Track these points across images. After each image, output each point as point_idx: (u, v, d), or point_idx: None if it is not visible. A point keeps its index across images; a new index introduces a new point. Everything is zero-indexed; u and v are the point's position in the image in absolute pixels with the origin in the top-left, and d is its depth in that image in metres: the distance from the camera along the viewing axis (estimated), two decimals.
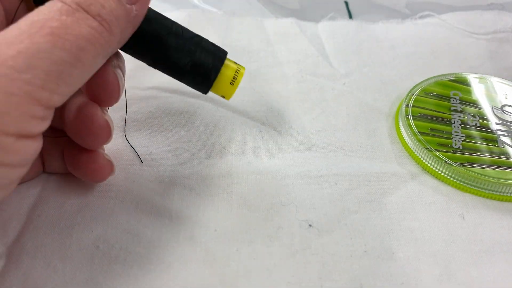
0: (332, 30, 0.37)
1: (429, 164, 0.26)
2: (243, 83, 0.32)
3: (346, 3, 0.41)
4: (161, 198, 0.25)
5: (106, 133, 0.23)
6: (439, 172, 0.26)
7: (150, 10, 0.22)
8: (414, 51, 0.35)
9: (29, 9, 0.21)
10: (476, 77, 0.31)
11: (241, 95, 0.31)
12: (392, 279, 0.22)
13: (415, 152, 0.27)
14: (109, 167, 0.24)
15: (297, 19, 0.38)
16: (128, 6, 0.20)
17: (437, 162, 0.26)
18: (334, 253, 0.23)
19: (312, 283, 0.21)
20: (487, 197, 0.25)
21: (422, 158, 0.27)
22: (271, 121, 0.30)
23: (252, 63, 0.34)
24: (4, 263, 0.22)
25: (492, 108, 0.29)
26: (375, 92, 0.32)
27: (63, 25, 0.18)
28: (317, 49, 0.35)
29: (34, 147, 0.18)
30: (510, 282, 0.22)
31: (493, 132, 0.28)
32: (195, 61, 0.23)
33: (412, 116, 0.28)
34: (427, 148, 0.26)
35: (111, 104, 0.23)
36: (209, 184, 0.26)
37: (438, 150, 0.26)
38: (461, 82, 0.31)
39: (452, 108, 0.29)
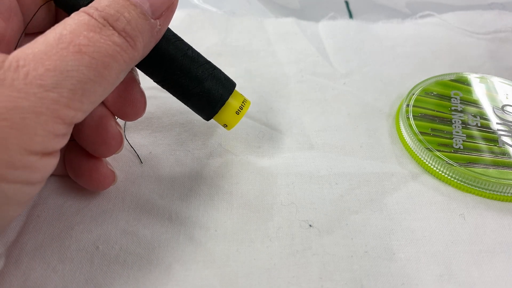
0: (332, 30, 0.37)
1: (429, 164, 0.26)
2: (243, 83, 0.32)
3: (347, 3, 0.41)
4: (161, 198, 0.25)
5: (118, 143, 0.23)
6: (440, 172, 0.26)
7: (168, 29, 0.22)
8: (415, 50, 0.35)
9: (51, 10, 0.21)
10: (477, 77, 0.31)
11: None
12: (393, 279, 0.22)
13: (416, 152, 0.27)
14: (111, 176, 0.24)
15: (297, 19, 0.38)
16: (152, 20, 0.20)
17: (437, 162, 0.26)
18: (334, 253, 0.22)
19: (313, 283, 0.21)
20: (488, 197, 0.25)
21: (422, 158, 0.26)
22: (271, 121, 0.30)
23: (252, 63, 0.34)
24: (3, 263, 0.22)
25: (493, 108, 0.29)
26: (375, 92, 0.32)
27: (90, 42, 0.18)
28: (317, 48, 0.35)
29: (54, 163, 0.18)
30: (511, 282, 0.22)
31: (494, 132, 0.28)
32: (204, 88, 0.23)
33: (412, 116, 0.28)
34: (427, 148, 0.26)
35: (135, 119, 0.24)
36: (209, 184, 0.26)
37: (438, 150, 0.26)
38: (461, 82, 0.31)
39: (452, 108, 0.29)
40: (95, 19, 0.18)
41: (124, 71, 0.19)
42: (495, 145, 0.27)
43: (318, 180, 0.26)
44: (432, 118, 0.28)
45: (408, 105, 0.29)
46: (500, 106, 0.29)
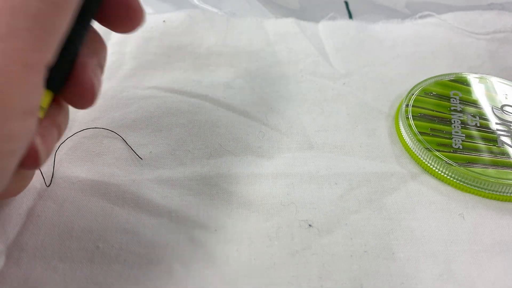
0: (332, 30, 0.37)
1: (429, 164, 0.26)
2: (243, 83, 0.32)
3: (346, 3, 0.41)
4: (161, 198, 0.25)
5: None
6: (439, 172, 0.26)
7: None
8: (414, 51, 0.35)
9: None
10: (476, 77, 0.31)
11: (241, 95, 0.31)
12: (392, 279, 0.22)
13: (415, 152, 0.27)
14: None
15: (297, 19, 0.38)
16: None
17: (437, 162, 0.26)
18: (334, 253, 0.23)
19: (312, 283, 0.21)
20: (487, 197, 0.25)
21: (422, 158, 0.27)
22: (271, 121, 0.30)
23: (252, 63, 0.34)
24: (4, 262, 0.22)
25: (492, 108, 0.29)
26: (375, 92, 0.32)
27: None
28: (317, 49, 0.35)
29: (34, 122, 0.16)
30: (510, 282, 0.22)
31: (493, 132, 0.28)
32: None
33: (412, 116, 0.28)
34: (427, 148, 0.26)
35: (85, 108, 0.21)
36: (209, 184, 0.26)
37: (438, 150, 0.26)
38: (461, 82, 0.31)
39: (452, 108, 0.29)
40: None
41: None
42: (494, 145, 0.27)
43: (318, 180, 0.26)
44: (432, 118, 0.28)
45: (407, 105, 0.29)
46: (499, 106, 0.29)
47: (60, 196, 0.25)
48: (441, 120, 0.28)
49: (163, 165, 0.27)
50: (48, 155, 0.20)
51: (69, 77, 0.20)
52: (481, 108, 0.29)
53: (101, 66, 0.22)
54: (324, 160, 0.27)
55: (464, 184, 0.25)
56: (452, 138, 0.27)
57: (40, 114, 0.19)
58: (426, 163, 0.26)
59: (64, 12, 0.16)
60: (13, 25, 0.15)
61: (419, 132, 0.27)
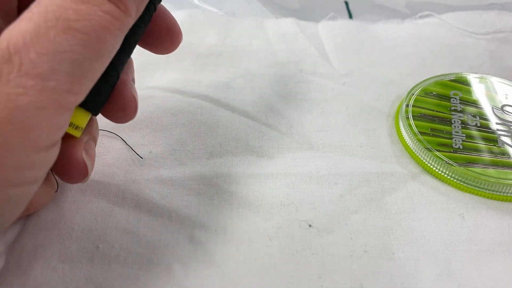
0: (332, 30, 0.37)
1: (429, 164, 0.26)
2: (243, 83, 0.32)
3: (346, 3, 0.41)
4: (161, 198, 0.25)
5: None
6: (439, 172, 0.26)
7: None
8: (414, 51, 0.35)
9: None
10: (476, 77, 0.31)
11: (241, 95, 0.31)
12: (392, 279, 0.22)
13: (415, 152, 0.27)
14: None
15: (297, 19, 0.38)
16: None
17: (437, 162, 0.26)
18: (334, 253, 0.23)
19: (312, 283, 0.21)
20: (488, 197, 0.25)
21: (422, 158, 0.27)
22: (271, 121, 0.30)
23: (252, 63, 0.34)
24: (4, 262, 0.22)
25: (492, 108, 0.29)
26: (375, 92, 0.32)
27: (80, 16, 0.16)
28: (317, 49, 0.35)
29: (57, 152, 0.17)
30: (511, 282, 0.22)
31: (493, 132, 0.28)
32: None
33: (412, 116, 0.28)
34: (427, 148, 0.26)
35: (125, 122, 0.23)
36: (209, 184, 0.26)
37: (438, 150, 0.26)
38: (461, 82, 0.31)
39: (452, 108, 0.29)
40: None
41: (119, 40, 0.18)
42: (495, 145, 0.27)
43: (318, 180, 0.26)
44: (432, 118, 0.28)
45: (407, 105, 0.29)
46: (499, 106, 0.29)
47: (60, 196, 0.25)
48: (441, 120, 0.28)
49: (163, 165, 0.27)
50: (93, 166, 0.21)
51: (110, 97, 0.21)
52: (481, 108, 0.29)
53: (134, 80, 0.23)
54: (324, 160, 0.27)
55: (464, 184, 0.25)
56: (452, 138, 0.27)
57: (78, 134, 0.20)
58: (426, 163, 0.26)
59: (104, 58, 0.17)
60: (54, 67, 0.16)
61: (419, 132, 0.27)
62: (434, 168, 0.26)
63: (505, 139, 0.27)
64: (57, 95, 0.16)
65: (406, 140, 0.28)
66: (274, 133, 0.29)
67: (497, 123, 0.28)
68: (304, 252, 0.22)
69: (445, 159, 0.26)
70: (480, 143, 0.27)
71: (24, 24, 0.16)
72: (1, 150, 0.15)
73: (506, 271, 0.22)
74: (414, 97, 0.30)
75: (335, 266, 0.22)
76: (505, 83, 0.31)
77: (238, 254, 0.22)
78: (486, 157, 0.26)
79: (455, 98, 0.30)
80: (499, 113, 0.29)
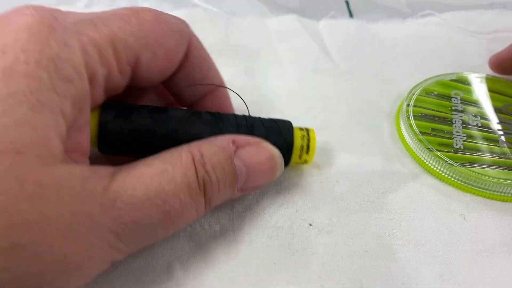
0: (333, 29, 0.37)
1: (430, 164, 0.26)
2: (244, 82, 0.32)
3: (347, 2, 0.41)
4: None
5: None
6: (440, 172, 0.26)
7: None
8: (415, 50, 0.35)
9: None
10: (478, 77, 0.31)
11: (241, 94, 0.31)
12: (393, 279, 0.22)
13: (416, 152, 0.27)
14: None
15: (298, 16, 0.38)
16: (237, 193, 0.21)
17: (438, 162, 0.26)
18: (334, 252, 0.22)
19: (312, 282, 0.21)
20: (488, 198, 0.25)
21: (423, 158, 0.26)
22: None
23: (253, 61, 0.34)
24: None
25: (494, 108, 0.29)
26: (376, 91, 0.32)
27: (182, 208, 0.18)
28: (319, 45, 0.35)
29: None
30: (511, 282, 0.22)
31: (494, 132, 0.28)
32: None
33: (413, 115, 0.28)
34: (428, 148, 0.26)
35: None
36: None
37: (439, 150, 0.26)
38: (462, 82, 0.31)
39: (453, 108, 0.29)
40: (197, 178, 0.19)
41: (186, 225, 0.20)
42: (496, 145, 0.27)
43: (319, 178, 0.26)
44: (433, 118, 0.28)
45: (408, 105, 0.29)
46: (500, 106, 0.29)
47: None
48: (442, 120, 0.28)
49: None
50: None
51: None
52: (482, 108, 0.29)
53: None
54: (325, 158, 0.27)
55: (465, 185, 0.25)
56: (453, 138, 0.27)
57: None
58: (427, 163, 0.26)
59: (163, 236, 0.20)
60: (132, 234, 0.18)
61: (420, 132, 0.27)
62: (434, 168, 0.26)
63: (505, 139, 0.27)
64: (117, 254, 0.18)
65: (406, 140, 0.28)
66: None
67: (497, 123, 0.28)
68: (304, 252, 0.22)
69: (446, 159, 0.26)
70: (481, 143, 0.27)
71: (138, 186, 0.18)
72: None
73: (506, 271, 0.22)
74: (415, 96, 0.30)
75: (335, 266, 0.22)
76: (506, 82, 0.31)
77: (238, 254, 0.22)
78: (487, 157, 0.26)
79: (456, 98, 0.30)
80: (500, 113, 0.29)
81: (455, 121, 0.28)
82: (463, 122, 0.28)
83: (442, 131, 0.28)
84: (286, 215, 0.24)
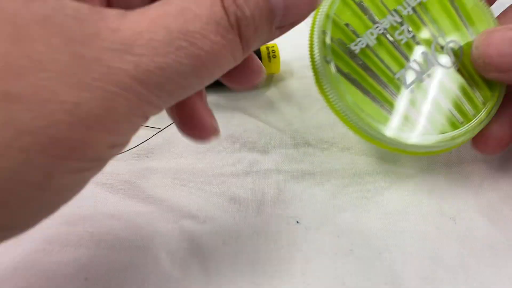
0: None
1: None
2: None
3: None
4: (152, 187, 0.25)
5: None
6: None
7: None
8: None
9: None
10: None
11: (241, 92, 0.31)
12: (376, 279, 0.22)
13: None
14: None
15: None
16: (275, 31, 0.17)
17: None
18: (319, 250, 0.23)
19: (295, 279, 0.22)
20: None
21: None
22: (269, 118, 0.30)
23: None
24: None
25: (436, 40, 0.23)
26: None
27: (213, 51, 0.15)
28: None
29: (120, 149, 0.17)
30: (499, 286, 0.21)
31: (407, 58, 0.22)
32: None
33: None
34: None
35: (204, 142, 0.22)
36: (201, 176, 0.26)
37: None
38: None
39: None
40: (227, 15, 0.15)
41: (223, 72, 0.17)
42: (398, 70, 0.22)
43: (311, 176, 0.26)
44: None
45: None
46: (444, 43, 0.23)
47: None
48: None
49: (157, 156, 0.27)
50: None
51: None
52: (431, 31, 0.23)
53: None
54: (319, 156, 0.27)
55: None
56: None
57: None
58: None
59: (201, 86, 0.17)
60: (162, 85, 0.15)
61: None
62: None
63: (408, 73, 0.22)
64: (149, 107, 0.15)
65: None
66: (272, 130, 0.29)
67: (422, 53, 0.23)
68: (289, 248, 0.23)
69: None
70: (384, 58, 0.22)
71: (156, 27, 0.15)
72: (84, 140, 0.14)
73: (494, 275, 0.22)
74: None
75: (319, 264, 0.22)
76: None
77: (225, 246, 0.23)
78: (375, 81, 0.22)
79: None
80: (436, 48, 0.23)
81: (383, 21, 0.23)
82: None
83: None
84: (275, 211, 0.24)
